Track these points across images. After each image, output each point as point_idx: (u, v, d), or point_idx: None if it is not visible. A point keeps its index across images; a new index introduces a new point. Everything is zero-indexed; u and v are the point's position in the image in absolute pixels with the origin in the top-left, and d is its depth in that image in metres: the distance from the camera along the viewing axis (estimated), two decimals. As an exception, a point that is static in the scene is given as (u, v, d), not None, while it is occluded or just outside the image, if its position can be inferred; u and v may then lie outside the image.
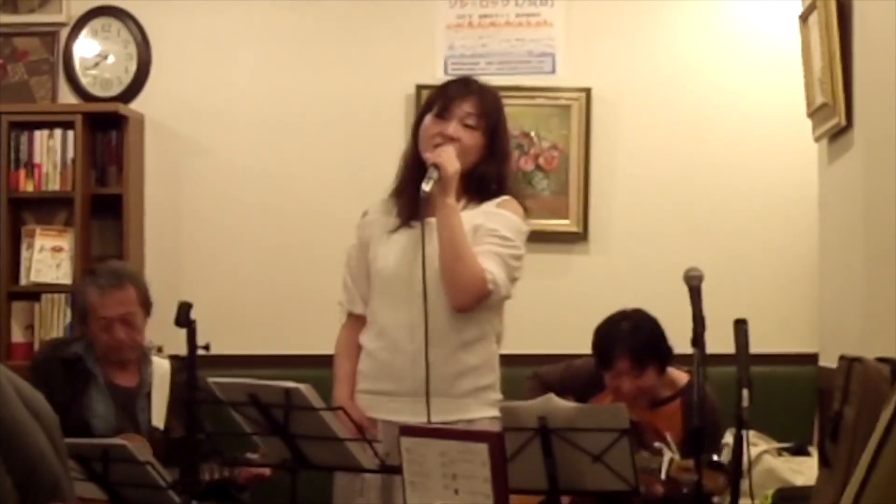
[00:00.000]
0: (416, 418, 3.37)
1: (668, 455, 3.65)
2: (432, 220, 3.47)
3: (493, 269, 3.47)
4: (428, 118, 3.57)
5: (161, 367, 4.27)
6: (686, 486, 3.53)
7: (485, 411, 3.55)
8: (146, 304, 4.25)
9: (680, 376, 4.25)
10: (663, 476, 3.64)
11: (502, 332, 3.67)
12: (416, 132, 3.61)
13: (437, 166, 3.42)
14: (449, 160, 3.44)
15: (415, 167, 3.57)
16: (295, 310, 5.61)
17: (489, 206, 3.57)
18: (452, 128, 3.52)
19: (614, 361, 4.17)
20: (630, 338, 4.18)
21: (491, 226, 3.52)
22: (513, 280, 3.56)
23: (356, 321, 3.69)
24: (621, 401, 4.20)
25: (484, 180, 3.58)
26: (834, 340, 4.70)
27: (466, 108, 3.54)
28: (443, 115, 3.54)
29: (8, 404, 1.71)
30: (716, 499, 3.54)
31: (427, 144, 3.54)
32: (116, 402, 4.18)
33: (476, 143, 3.54)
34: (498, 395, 3.62)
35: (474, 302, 3.50)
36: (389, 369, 3.52)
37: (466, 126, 3.53)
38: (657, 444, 3.71)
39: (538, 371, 4.49)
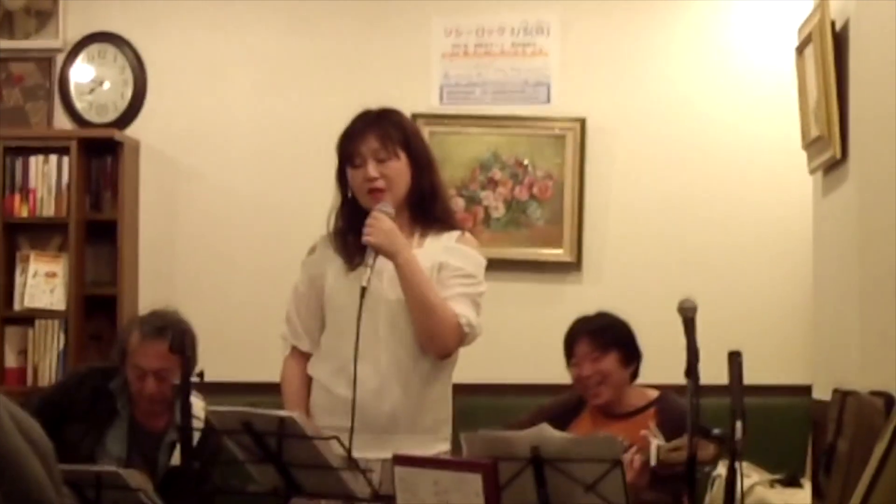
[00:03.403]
0: (377, 455, 3.37)
1: (654, 442, 3.71)
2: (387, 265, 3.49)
3: (466, 312, 3.50)
4: (349, 171, 3.61)
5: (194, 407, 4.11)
6: (679, 465, 3.53)
7: (439, 446, 3.56)
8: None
9: (651, 391, 4.25)
10: (653, 462, 3.69)
11: (456, 358, 3.66)
12: (341, 181, 3.66)
13: (371, 245, 3.44)
14: (377, 231, 3.45)
15: (351, 214, 3.63)
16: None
17: (449, 242, 3.59)
18: (371, 169, 3.55)
19: (575, 346, 4.24)
20: (590, 322, 4.28)
21: (456, 264, 3.55)
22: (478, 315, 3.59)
23: (301, 356, 3.69)
24: (583, 389, 4.24)
25: (422, 195, 3.61)
26: (828, 373, 4.70)
27: (372, 145, 3.57)
28: (356, 164, 3.59)
29: (4, 432, 1.70)
30: (707, 468, 3.53)
31: (362, 195, 3.59)
32: (137, 443, 4.09)
33: (399, 168, 3.58)
34: (450, 429, 3.62)
35: (454, 349, 3.56)
36: (350, 406, 3.46)
37: (381, 161, 3.56)
38: (642, 432, 3.76)
39: (509, 423, 4.41)
